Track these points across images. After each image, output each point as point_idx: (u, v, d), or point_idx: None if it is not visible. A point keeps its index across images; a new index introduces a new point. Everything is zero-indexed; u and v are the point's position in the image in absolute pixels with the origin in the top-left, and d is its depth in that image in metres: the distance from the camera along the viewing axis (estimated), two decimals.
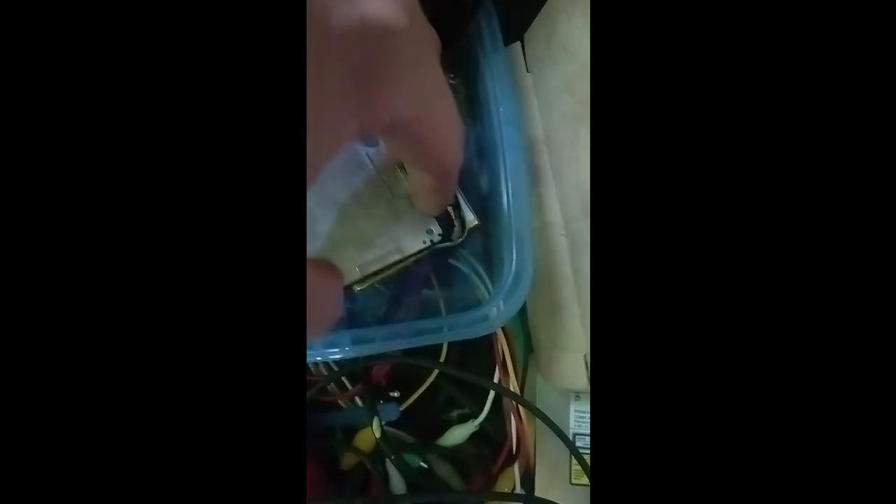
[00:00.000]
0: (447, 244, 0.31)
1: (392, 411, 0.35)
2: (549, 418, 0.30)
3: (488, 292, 0.32)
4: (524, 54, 0.37)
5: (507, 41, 0.36)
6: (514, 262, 0.27)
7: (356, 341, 0.28)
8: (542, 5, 0.35)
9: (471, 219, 0.31)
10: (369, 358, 0.35)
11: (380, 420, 0.34)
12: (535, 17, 0.36)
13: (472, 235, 0.32)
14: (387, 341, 0.28)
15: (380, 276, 0.32)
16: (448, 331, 0.28)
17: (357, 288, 0.32)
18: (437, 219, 0.31)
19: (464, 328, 0.28)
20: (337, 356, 0.29)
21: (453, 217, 0.31)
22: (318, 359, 0.34)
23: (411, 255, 0.30)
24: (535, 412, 0.31)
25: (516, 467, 0.33)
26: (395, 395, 0.35)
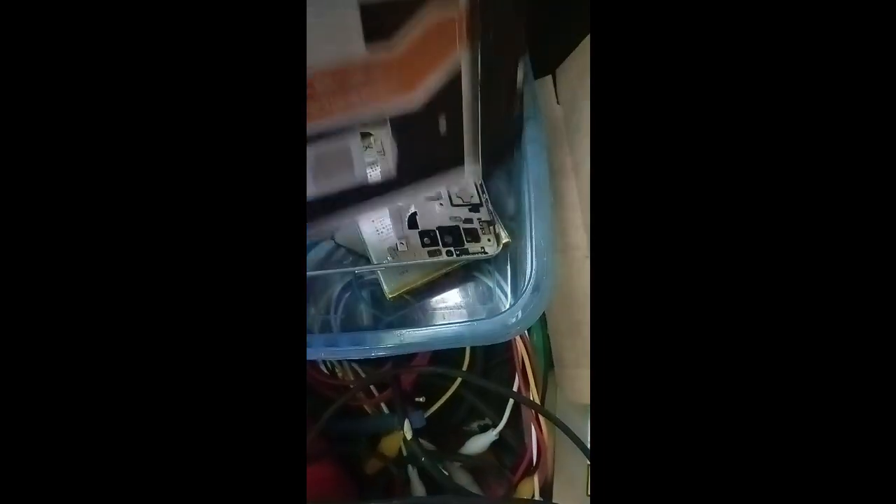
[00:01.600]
0: (484, 256, 0.33)
1: (418, 419, 0.36)
2: (569, 428, 0.31)
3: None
4: (555, 87, 0.39)
5: (539, 74, 0.38)
6: (533, 271, 0.29)
7: (380, 343, 0.30)
8: (576, 46, 0.38)
9: (504, 235, 0.34)
10: (397, 366, 0.37)
11: (411, 424, 0.35)
12: (567, 55, 0.39)
13: (501, 253, 0.34)
14: (408, 345, 0.29)
15: (412, 286, 0.34)
16: (468, 337, 0.29)
17: (389, 296, 0.34)
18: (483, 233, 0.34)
19: (483, 335, 0.29)
20: (361, 357, 0.30)
21: (490, 232, 0.34)
22: (343, 360, 0.36)
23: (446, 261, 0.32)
24: (555, 422, 0.32)
25: (536, 478, 0.34)
26: (422, 399, 0.37)
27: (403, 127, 0.25)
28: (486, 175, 0.29)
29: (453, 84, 0.25)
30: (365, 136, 0.27)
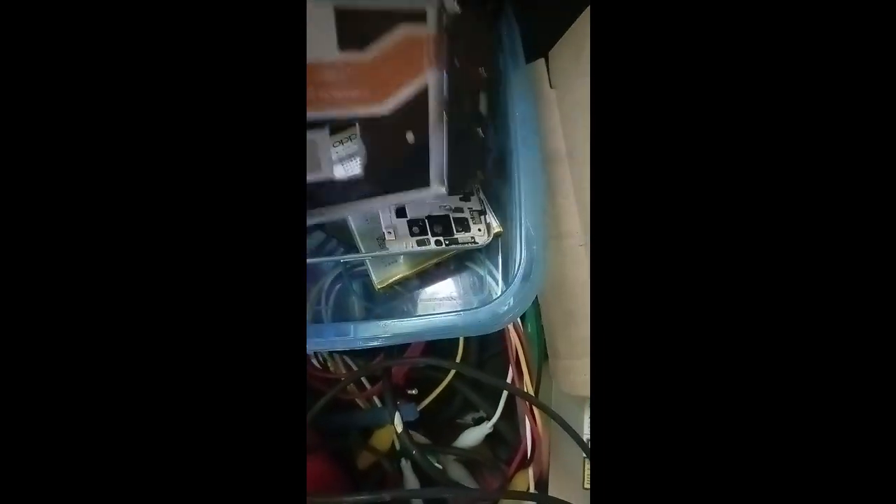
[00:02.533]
0: (475, 246, 0.32)
1: (410, 412, 0.36)
2: (564, 420, 0.31)
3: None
4: (548, 71, 0.38)
5: (532, 57, 0.37)
6: (522, 260, 0.28)
7: (372, 333, 0.29)
8: (568, 26, 0.37)
9: (495, 224, 0.33)
10: (389, 357, 0.37)
11: (402, 416, 0.34)
12: (560, 36, 0.38)
13: (492, 242, 0.34)
14: (399, 335, 0.29)
15: (402, 276, 0.34)
16: (459, 327, 0.29)
17: (378, 286, 0.34)
18: (473, 222, 0.33)
19: (474, 324, 0.28)
20: (346, 348, 0.30)
21: (482, 222, 0.33)
22: (336, 353, 0.36)
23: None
24: (550, 413, 0.31)
25: (531, 471, 0.34)
26: (414, 392, 0.36)
27: (372, 130, 0.26)
28: (452, 193, 0.30)
29: (421, 99, 0.27)
30: (341, 129, 0.27)
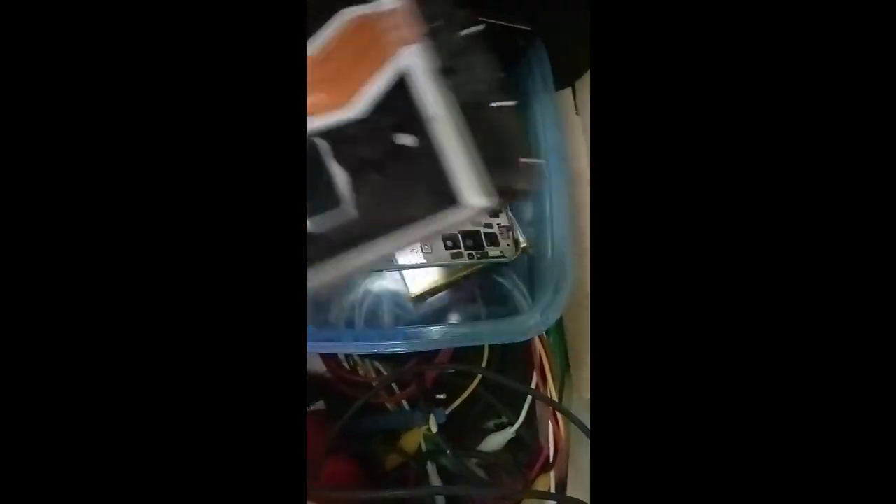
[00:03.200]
0: (503, 260, 0.34)
1: (440, 415, 0.38)
2: (584, 424, 0.32)
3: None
4: (574, 99, 0.41)
5: (560, 86, 0.40)
6: (553, 275, 0.30)
7: (406, 338, 0.31)
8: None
9: (522, 240, 0.35)
10: (419, 363, 0.39)
11: (436, 418, 0.36)
12: (586, 68, 0.40)
13: (519, 256, 0.36)
14: (430, 342, 0.30)
15: (434, 286, 0.36)
16: (488, 336, 0.31)
17: (412, 296, 0.36)
18: (502, 238, 0.35)
19: (503, 334, 0.30)
20: (380, 352, 0.32)
21: (509, 237, 0.35)
22: (366, 358, 0.38)
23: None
24: (573, 419, 0.33)
25: (552, 475, 0.35)
26: (442, 396, 0.38)
27: (346, 143, 0.19)
28: (502, 199, 0.22)
29: (400, 88, 0.20)
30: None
